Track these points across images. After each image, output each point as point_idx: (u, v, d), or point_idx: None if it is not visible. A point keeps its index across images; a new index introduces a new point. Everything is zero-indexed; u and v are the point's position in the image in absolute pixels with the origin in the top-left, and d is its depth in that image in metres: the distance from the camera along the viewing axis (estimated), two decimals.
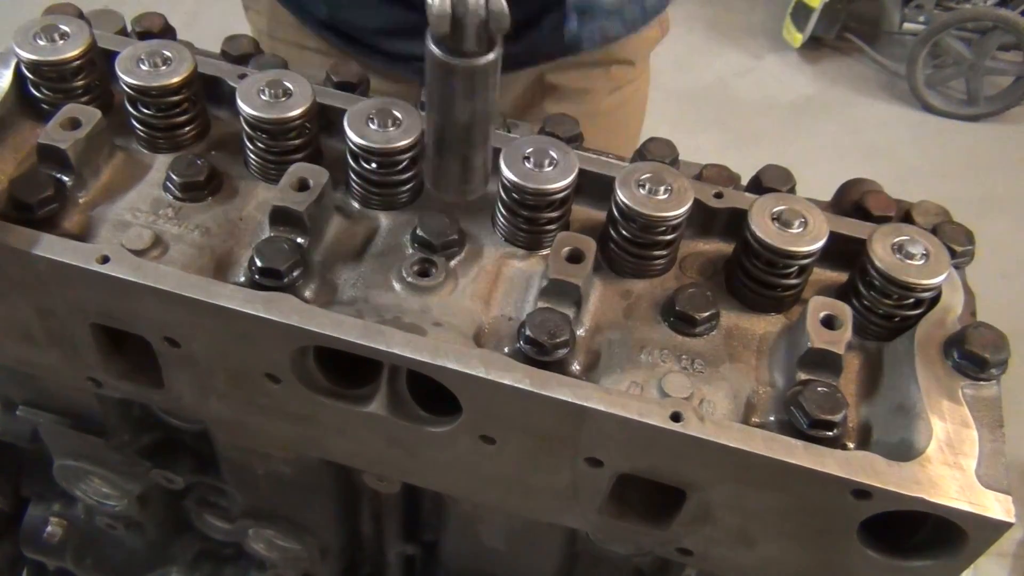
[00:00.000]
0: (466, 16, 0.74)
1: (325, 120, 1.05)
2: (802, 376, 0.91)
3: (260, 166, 1.04)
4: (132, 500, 1.34)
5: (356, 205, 1.04)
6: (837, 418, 0.85)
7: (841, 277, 1.02)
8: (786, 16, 5.13)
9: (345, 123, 0.98)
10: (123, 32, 1.17)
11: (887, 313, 0.95)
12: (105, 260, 0.90)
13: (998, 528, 0.81)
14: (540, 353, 0.88)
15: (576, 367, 0.93)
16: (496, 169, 0.95)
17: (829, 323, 0.90)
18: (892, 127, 4.89)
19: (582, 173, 0.98)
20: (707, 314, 0.95)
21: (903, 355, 0.93)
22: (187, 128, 1.06)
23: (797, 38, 5.07)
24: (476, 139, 0.85)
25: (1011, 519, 0.80)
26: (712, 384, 0.92)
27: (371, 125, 0.98)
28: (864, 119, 4.92)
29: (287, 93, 1.00)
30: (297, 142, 1.02)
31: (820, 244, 0.93)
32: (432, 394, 0.92)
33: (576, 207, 1.04)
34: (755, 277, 0.96)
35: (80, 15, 1.11)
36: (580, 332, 0.95)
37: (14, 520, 1.54)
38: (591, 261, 0.94)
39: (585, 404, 0.84)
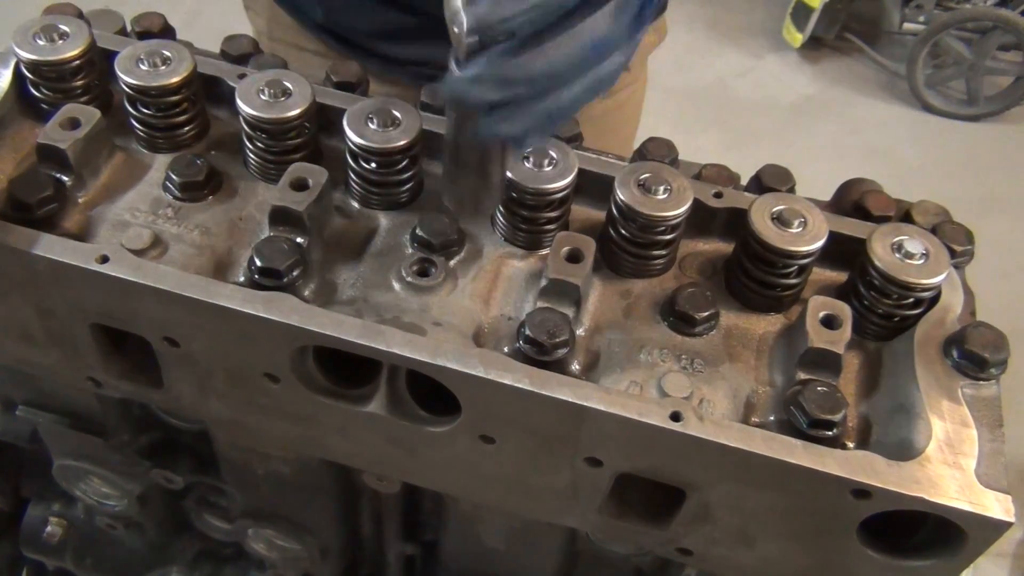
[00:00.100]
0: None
1: (325, 120, 1.05)
2: (802, 376, 0.91)
3: (260, 166, 1.04)
4: (132, 500, 1.34)
5: (356, 205, 1.04)
6: (837, 418, 0.85)
7: (841, 277, 1.02)
8: (786, 16, 5.13)
9: (345, 123, 0.98)
10: (123, 32, 1.17)
11: (887, 313, 0.95)
12: (105, 260, 0.90)
13: (998, 528, 0.81)
14: (540, 353, 0.88)
15: (576, 367, 0.93)
16: None
17: (829, 323, 0.90)
18: (892, 127, 4.89)
19: (582, 173, 0.98)
20: (707, 314, 0.95)
21: (903, 355, 0.93)
22: (187, 128, 1.06)
23: (797, 38, 5.07)
24: (494, 160, 0.86)
25: (1011, 519, 0.80)
26: (712, 384, 0.92)
27: (370, 125, 0.98)
28: (864, 119, 4.91)
29: (286, 93, 1.00)
30: (297, 142, 1.02)
31: (820, 244, 0.93)
32: (432, 394, 0.92)
33: (576, 207, 1.04)
34: (755, 277, 0.96)
35: (80, 15, 1.11)
36: (580, 332, 0.95)
37: (14, 520, 1.54)
38: (591, 261, 0.94)
39: (585, 404, 0.84)
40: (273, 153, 1.02)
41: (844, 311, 0.91)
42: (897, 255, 0.93)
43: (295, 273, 0.93)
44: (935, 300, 0.94)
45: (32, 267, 0.92)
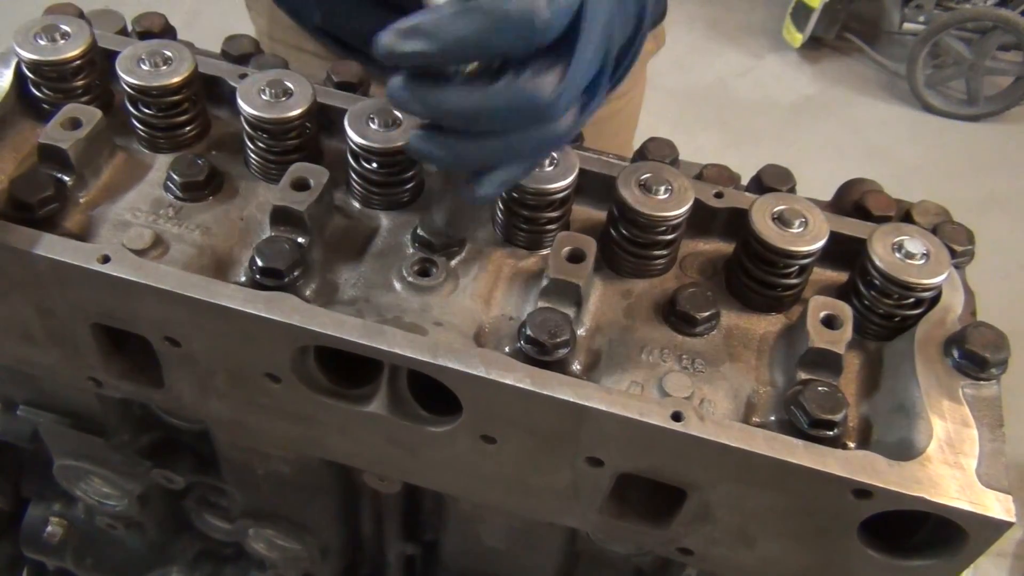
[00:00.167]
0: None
1: (326, 120, 1.05)
2: (802, 376, 0.91)
3: (261, 166, 1.04)
4: (132, 500, 1.34)
5: (356, 205, 1.04)
6: (837, 418, 0.85)
7: (841, 277, 1.02)
8: (786, 16, 5.13)
9: (346, 123, 0.98)
10: (123, 32, 1.17)
11: (887, 313, 0.95)
12: (106, 260, 0.90)
13: (998, 528, 0.81)
14: (541, 353, 0.88)
15: (576, 367, 0.93)
16: None
17: (829, 323, 0.90)
18: (892, 127, 4.89)
19: (582, 173, 0.98)
20: (707, 314, 0.95)
21: (903, 355, 0.93)
22: (187, 128, 1.06)
23: (797, 38, 5.07)
24: (458, 186, 0.87)
25: (1011, 519, 0.80)
26: (712, 384, 0.92)
27: (372, 125, 0.98)
28: (864, 119, 4.92)
29: (287, 93, 1.00)
30: (297, 142, 1.02)
31: (820, 244, 0.94)
32: (432, 394, 0.92)
33: (576, 207, 1.04)
34: (755, 277, 0.96)
35: (80, 15, 1.11)
36: (580, 332, 0.95)
37: (14, 520, 1.54)
38: (591, 261, 0.94)
39: (586, 404, 0.84)
40: (274, 153, 1.02)
41: (845, 311, 0.91)
42: (898, 255, 0.93)
43: (296, 273, 0.93)
44: (936, 300, 0.94)
45: (33, 267, 0.92)
